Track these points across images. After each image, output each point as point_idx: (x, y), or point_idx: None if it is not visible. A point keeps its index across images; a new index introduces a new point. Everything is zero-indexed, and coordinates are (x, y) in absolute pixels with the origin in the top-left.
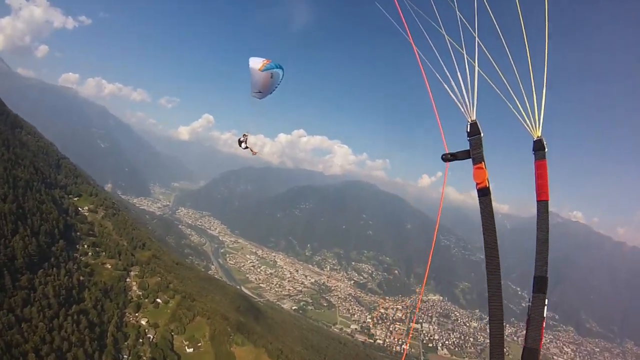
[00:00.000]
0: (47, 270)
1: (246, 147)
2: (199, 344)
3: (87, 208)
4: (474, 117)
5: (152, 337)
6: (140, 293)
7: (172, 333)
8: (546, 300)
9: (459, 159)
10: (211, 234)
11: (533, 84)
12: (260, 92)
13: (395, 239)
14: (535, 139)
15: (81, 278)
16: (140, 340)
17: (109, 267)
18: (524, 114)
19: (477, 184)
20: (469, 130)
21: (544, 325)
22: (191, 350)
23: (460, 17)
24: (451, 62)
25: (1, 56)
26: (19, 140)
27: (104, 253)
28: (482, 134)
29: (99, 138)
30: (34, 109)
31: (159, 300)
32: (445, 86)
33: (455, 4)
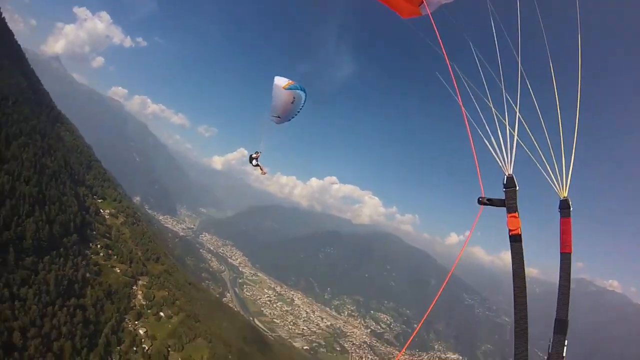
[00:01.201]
0: (53, 259)
1: (257, 165)
2: None
3: (108, 211)
4: (510, 172)
5: (147, 347)
6: (145, 303)
7: (169, 349)
8: (566, 342)
9: (494, 205)
10: (231, 263)
11: (563, 150)
12: (279, 117)
13: (418, 294)
14: (562, 198)
15: (87, 275)
16: (135, 348)
17: (118, 271)
18: (552, 175)
19: (511, 230)
20: (505, 182)
21: None
22: None
23: (505, 95)
24: (493, 124)
25: (60, 59)
26: (57, 134)
27: (115, 257)
28: (517, 187)
29: (135, 152)
30: (80, 113)
31: (162, 314)
32: (487, 143)
33: (502, 83)
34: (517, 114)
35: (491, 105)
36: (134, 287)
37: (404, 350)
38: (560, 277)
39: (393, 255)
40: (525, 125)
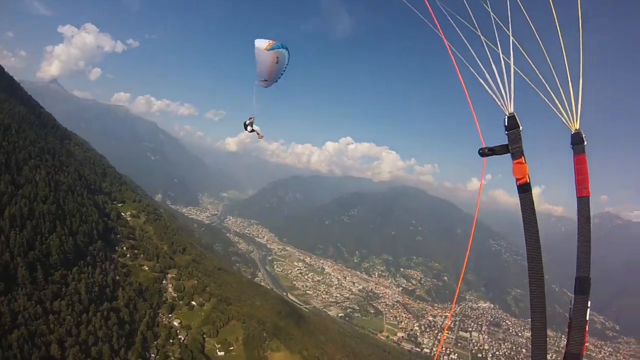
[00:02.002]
0: (81, 268)
1: (252, 131)
2: (231, 348)
3: (129, 213)
4: (511, 110)
5: (183, 338)
6: (176, 295)
7: (204, 336)
8: (589, 303)
9: (497, 154)
10: (259, 242)
11: (569, 76)
12: (265, 80)
13: (445, 245)
14: (573, 132)
15: (117, 278)
16: (171, 340)
17: (146, 268)
18: (560, 106)
19: (518, 179)
20: (506, 123)
21: (587, 329)
22: (222, 353)
23: (493, 17)
24: (486, 58)
25: (59, 81)
26: (67, 150)
27: (142, 255)
28: (520, 128)
29: (149, 151)
30: (90, 127)
31: (193, 302)
32: (481, 80)
33: (489, 3)
34: (511, 37)
35: (479, 32)
36: (164, 282)
37: (452, 312)
38: (579, 227)
39: (417, 209)
40: (522, 49)
